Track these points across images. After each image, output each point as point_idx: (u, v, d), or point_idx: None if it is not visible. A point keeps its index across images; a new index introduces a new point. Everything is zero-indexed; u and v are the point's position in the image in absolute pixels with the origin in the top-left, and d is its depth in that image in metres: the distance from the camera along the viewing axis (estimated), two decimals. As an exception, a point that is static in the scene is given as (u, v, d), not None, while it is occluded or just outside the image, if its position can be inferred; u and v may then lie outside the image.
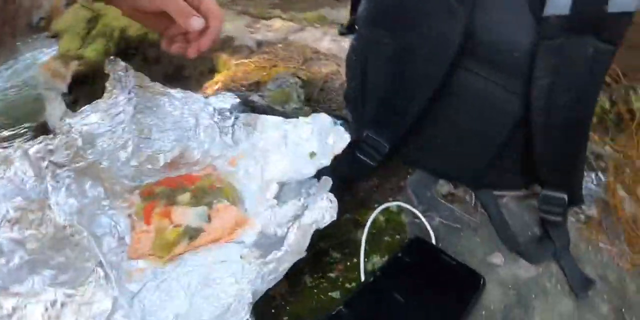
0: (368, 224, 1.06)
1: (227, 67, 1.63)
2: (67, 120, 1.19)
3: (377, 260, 1.00)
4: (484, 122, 0.96)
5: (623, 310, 0.91)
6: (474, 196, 1.07)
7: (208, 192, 1.22)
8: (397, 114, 1.02)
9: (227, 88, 1.54)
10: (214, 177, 1.28)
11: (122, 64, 1.28)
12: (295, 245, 0.99)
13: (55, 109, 1.63)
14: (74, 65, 1.66)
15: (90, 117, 1.21)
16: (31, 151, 1.09)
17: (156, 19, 1.08)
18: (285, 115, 1.43)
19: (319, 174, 1.11)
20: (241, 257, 1.08)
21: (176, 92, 1.34)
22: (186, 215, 1.17)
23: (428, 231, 1.01)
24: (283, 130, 1.31)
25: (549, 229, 0.95)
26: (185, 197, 1.20)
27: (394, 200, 1.10)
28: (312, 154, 1.24)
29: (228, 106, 1.36)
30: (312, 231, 1.01)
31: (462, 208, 1.06)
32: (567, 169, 0.93)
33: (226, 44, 1.70)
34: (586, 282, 0.91)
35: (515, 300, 0.90)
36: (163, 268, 1.08)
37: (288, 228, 1.07)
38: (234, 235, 1.15)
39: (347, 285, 0.98)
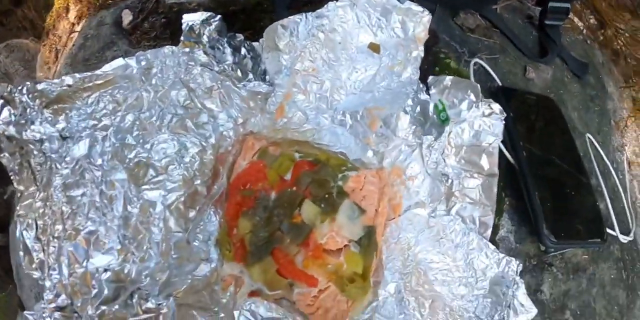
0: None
1: None
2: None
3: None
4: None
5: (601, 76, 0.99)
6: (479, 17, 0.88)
7: (315, 175, 0.65)
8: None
9: (98, 3, 0.72)
10: (273, 146, 0.68)
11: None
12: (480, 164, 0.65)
13: None
14: None
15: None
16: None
17: None
18: (249, 1, 0.74)
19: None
20: (434, 216, 0.65)
21: (113, 68, 0.59)
22: (339, 229, 0.63)
23: (491, 75, 0.80)
24: (317, 30, 0.67)
25: (549, 31, 0.91)
26: (311, 210, 0.63)
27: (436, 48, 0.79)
28: (374, 46, 0.69)
29: (212, 32, 0.64)
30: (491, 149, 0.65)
31: (483, 34, 0.86)
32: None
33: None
34: (583, 66, 0.93)
35: (559, 100, 0.86)
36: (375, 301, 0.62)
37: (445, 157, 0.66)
38: (399, 199, 0.67)
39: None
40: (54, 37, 0.85)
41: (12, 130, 0.52)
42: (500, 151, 0.69)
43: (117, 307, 0.51)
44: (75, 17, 0.80)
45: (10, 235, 0.67)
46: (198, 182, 0.61)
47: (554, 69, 0.89)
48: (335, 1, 0.67)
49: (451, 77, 0.66)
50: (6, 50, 1.06)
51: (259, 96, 0.67)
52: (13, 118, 0.52)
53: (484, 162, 0.65)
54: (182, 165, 0.60)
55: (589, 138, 0.85)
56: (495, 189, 0.65)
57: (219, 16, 0.65)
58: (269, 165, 0.66)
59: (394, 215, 0.66)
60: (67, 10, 0.82)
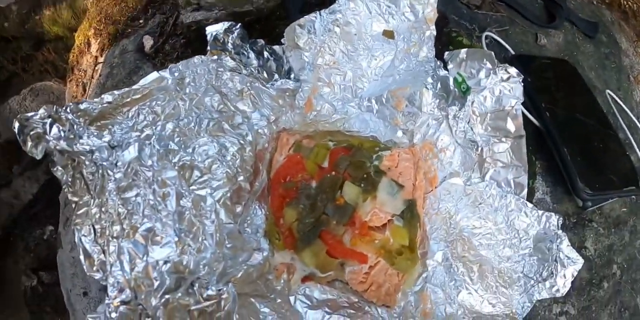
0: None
1: (65, 21, 0.76)
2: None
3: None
4: None
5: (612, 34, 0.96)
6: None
7: (352, 158, 0.64)
8: None
9: (118, 34, 0.73)
10: (306, 139, 0.67)
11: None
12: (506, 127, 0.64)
13: None
14: None
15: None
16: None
17: None
18: (263, 12, 0.74)
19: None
20: (469, 184, 0.63)
21: (149, 82, 0.59)
22: (381, 205, 0.62)
23: (504, 45, 0.78)
24: (332, 25, 0.67)
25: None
26: (352, 191, 0.62)
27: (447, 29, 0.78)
28: (388, 33, 0.68)
29: (236, 39, 0.65)
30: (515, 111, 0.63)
31: (490, 9, 0.83)
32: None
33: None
34: (593, 26, 0.91)
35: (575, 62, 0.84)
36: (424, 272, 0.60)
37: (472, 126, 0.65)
38: (434, 172, 0.65)
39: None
40: (79, 72, 0.85)
41: (63, 144, 0.52)
42: (525, 116, 0.68)
43: (180, 295, 0.51)
44: (97, 50, 0.81)
45: (58, 262, 0.67)
46: (241, 178, 0.61)
47: (564, 32, 0.87)
48: (343, -6, 0.67)
49: (465, 49, 0.67)
50: (31, 95, 1.04)
51: (287, 93, 0.67)
52: (63, 134, 0.53)
53: (510, 125, 0.64)
54: (224, 163, 0.60)
55: (609, 94, 0.83)
56: (524, 150, 0.63)
57: (239, 24, 0.67)
58: (305, 156, 0.66)
59: (431, 188, 0.65)
60: (89, 45, 0.82)
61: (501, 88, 0.64)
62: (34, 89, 1.03)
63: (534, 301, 0.59)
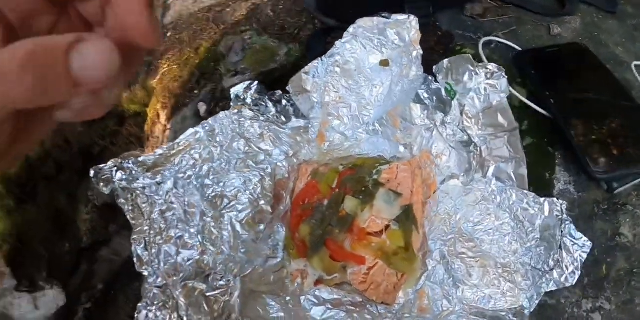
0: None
1: (140, 99, 0.98)
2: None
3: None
4: None
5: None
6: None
7: (354, 176, 0.70)
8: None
9: (179, 104, 0.93)
10: (323, 167, 0.75)
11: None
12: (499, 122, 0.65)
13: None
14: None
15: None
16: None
17: None
18: (287, 67, 0.89)
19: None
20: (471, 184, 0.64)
21: (187, 136, 0.75)
22: (378, 213, 0.65)
23: (509, 45, 0.80)
24: (333, 67, 0.76)
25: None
26: (351, 203, 0.67)
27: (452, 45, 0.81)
28: (384, 62, 0.75)
29: (254, 94, 0.79)
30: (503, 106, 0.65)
31: (496, 15, 0.83)
32: None
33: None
34: (611, 1, 0.86)
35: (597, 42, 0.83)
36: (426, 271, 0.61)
37: (464, 125, 0.67)
38: (433, 178, 0.67)
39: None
40: (154, 139, 0.99)
41: (124, 184, 0.69)
42: (536, 111, 0.66)
43: (195, 281, 0.62)
44: (165, 120, 0.96)
45: (142, 294, 0.79)
46: (262, 202, 0.70)
47: (581, 15, 0.85)
48: (340, 40, 0.76)
49: (448, 58, 0.69)
50: (121, 162, 1.25)
51: (301, 130, 0.77)
52: (124, 177, 0.70)
53: (501, 119, 0.65)
54: (247, 191, 0.71)
55: (636, 66, 0.77)
56: (519, 140, 0.63)
57: (256, 82, 0.80)
58: (319, 181, 0.72)
59: (430, 193, 0.66)
60: (158, 116, 0.98)
61: (486, 86, 0.66)
62: (122, 157, 1.21)
63: (542, 294, 0.55)
